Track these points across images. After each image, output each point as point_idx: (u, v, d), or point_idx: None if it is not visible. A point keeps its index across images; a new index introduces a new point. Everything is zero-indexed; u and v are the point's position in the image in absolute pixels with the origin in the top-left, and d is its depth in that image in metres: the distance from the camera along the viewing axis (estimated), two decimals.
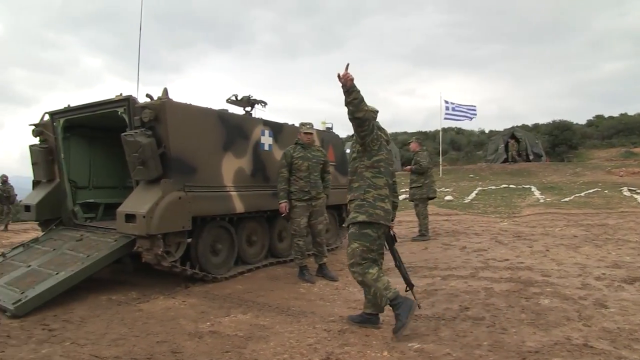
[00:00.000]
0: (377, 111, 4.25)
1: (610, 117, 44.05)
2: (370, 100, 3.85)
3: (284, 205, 6.04)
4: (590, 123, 43.71)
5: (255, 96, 7.06)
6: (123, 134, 5.25)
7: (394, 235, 4.18)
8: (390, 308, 3.85)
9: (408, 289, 4.08)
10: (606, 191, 18.38)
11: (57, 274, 5.02)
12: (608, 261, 6.64)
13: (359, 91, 3.69)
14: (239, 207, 6.10)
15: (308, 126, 6.25)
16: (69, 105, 6.39)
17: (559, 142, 34.14)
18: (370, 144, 4.00)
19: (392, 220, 4.21)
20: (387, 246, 4.16)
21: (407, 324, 3.72)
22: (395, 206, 4.33)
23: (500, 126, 68.47)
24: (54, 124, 6.54)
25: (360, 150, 4.09)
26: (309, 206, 6.15)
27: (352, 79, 3.65)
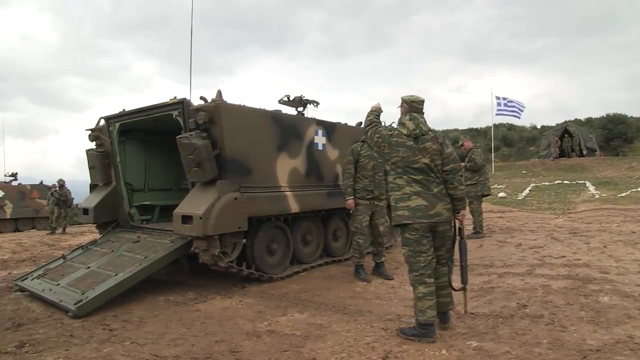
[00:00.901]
0: (419, 100, 4.01)
1: None
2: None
3: (351, 202, 6.01)
4: None
5: (307, 96, 7.08)
6: (178, 136, 5.32)
7: (460, 229, 4.02)
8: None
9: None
10: None
11: (115, 275, 5.13)
12: None
13: (371, 112, 4.39)
14: (294, 207, 6.11)
15: None
16: (124, 110, 6.53)
17: (614, 136, 33.05)
18: (379, 149, 4.10)
19: (458, 213, 3.95)
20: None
21: (405, 335, 3.79)
22: (455, 198, 3.91)
23: (553, 121, 66.62)
24: (110, 128, 6.69)
25: None
26: (372, 205, 6.08)
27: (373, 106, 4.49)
